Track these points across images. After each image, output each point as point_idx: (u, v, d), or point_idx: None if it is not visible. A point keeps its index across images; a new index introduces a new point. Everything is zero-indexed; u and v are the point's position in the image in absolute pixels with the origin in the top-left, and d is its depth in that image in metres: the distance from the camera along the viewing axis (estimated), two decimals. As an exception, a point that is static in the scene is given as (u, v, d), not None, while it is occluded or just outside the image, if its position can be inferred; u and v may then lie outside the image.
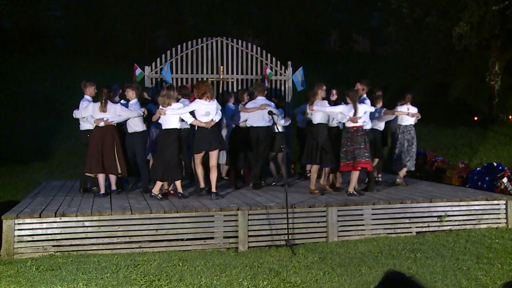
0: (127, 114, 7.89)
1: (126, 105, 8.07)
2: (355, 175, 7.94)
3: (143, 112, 8.08)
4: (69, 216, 6.41)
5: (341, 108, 7.94)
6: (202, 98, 7.56)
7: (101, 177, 7.85)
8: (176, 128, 7.59)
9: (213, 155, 7.68)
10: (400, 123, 9.03)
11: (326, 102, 8.15)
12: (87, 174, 7.99)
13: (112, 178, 8.04)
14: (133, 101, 8.16)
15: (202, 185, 7.89)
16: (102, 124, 7.70)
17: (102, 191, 7.81)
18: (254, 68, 10.91)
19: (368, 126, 8.19)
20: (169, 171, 7.51)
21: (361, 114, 7.81)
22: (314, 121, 8.15)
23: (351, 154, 7.83)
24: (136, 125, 8.12)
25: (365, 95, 8.48)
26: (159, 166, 7.53)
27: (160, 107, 7.55)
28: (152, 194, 7.62)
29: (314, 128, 8.16)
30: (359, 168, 7.87)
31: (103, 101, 7.68)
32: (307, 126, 8.78)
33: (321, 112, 8.06)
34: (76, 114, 8.06)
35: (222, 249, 6.68)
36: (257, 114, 8.56)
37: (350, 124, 7.87)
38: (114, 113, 7.75)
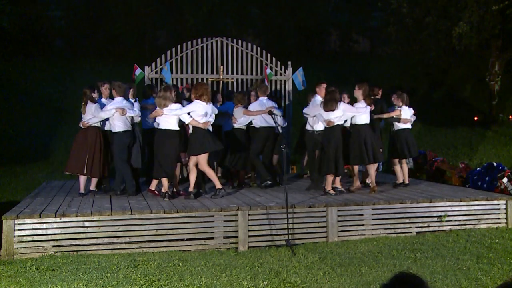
0: (95, 114, 7.77)
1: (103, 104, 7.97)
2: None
3: (113, 114, 7.72)
4: (69, 216, 6.41)
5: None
6: (200, 99, 7.59)
7: (82, 178, 7.96)
8: (174, 129, 7.59)
9: (204, 156, 7.69)
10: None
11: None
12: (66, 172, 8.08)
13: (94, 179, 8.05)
14: (116, 100, 7.82)
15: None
16: (81, 125, 7.86)
17: (82, 190, 7.95)
18: (254, 68, 10.91)
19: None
20: (166, 169, 7.59)
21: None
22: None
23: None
24: (113, 126, 7.89)
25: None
26: (157, 165, 7.63)
27: (157, 108, 7.61)
28: (150, 191, 7.74)
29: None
30: None
31: (83, 102, 7.85)
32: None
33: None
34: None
35: (222, 249, 6.68)
36: (261, 116, 8.66)
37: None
38: (89, 113, 7.80)
